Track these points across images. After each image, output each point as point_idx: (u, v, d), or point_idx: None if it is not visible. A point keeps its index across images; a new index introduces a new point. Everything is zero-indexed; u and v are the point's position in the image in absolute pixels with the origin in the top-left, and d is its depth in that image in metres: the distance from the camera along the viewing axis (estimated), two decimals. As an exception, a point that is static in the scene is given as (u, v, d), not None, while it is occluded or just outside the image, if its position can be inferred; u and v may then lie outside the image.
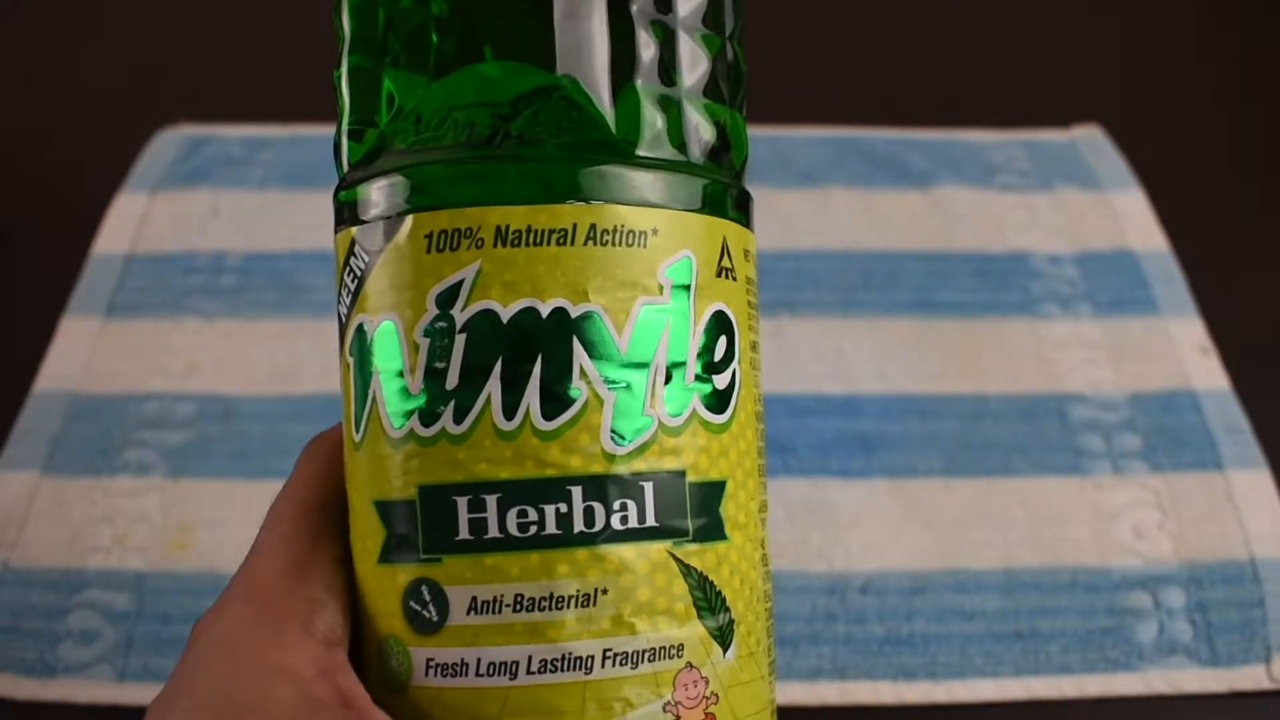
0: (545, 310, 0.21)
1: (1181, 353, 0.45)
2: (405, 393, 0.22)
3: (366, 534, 0.23)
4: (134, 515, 0.40)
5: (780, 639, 0.37)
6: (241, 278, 0.47)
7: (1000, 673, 0.36)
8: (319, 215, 0.50)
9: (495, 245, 0.21)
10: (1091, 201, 0.51)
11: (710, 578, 0.22)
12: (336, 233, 0.24)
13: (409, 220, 0.22)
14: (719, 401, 0.23)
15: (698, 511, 0.22)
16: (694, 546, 0.22)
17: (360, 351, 0.23)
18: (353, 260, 0.23)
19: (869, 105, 0.56)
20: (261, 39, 0.60)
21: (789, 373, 0.44)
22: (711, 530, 0.22)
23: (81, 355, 0.44)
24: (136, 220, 0.50)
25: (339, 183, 0.24)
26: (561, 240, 0.21)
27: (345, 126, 0.24)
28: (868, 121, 0.55)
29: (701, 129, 0.23)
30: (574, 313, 0.21)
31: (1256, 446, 0.42)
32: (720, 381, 0.23)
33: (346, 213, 0.23)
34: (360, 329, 0.23)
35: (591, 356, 0.21)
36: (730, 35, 0.25)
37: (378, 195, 0.23)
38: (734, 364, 0.23)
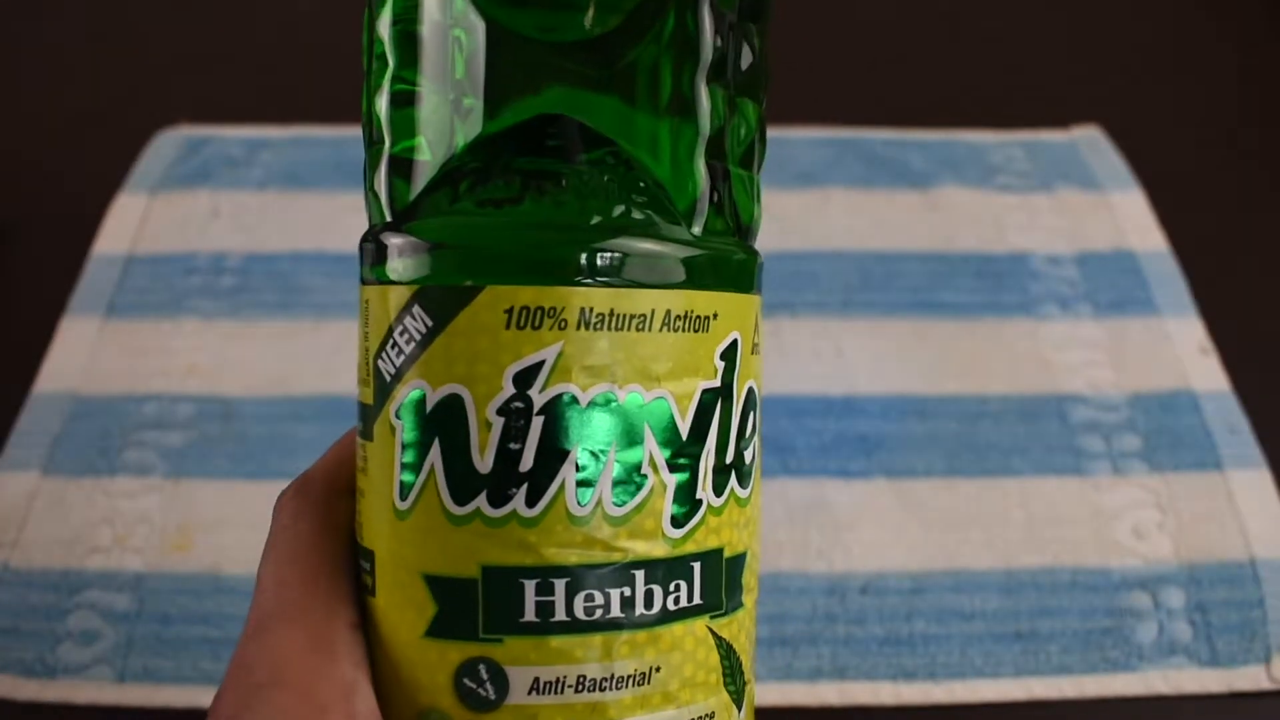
0: (622, 396, 0.21)
1: (1181, 353, 0.45)
2: (472, 470, 0.21)
3: (408, 605, 0.22)
4: (134, 516, 0.40)
5: (781, 639, 0.37)
6: (241, 278, 0.47)
7: (1000, 673, 0.36)
8: (319, 216, 0.50)
9: (578, 328, 0.21)
10: (1091, 202, 0.51)
11: (733, 645, 0.23)
12: (371, 281, 0.23)
13: (487, 291, 0.21)
14: (746, 475, 0.23)
15: (730, 585, 0.23)
16: (725, 619, 0.23)
17: (415, 419, 0.22)
18: (409, 321, 0.22)
19: (868, 106, 0.56)
20: (261, 39, 0.60)
21: (789, 373, 0.44)
22: (737, 600, 0.23)
23: (81, 356, 0.44)
24: (136, 221, 0.50)
25: (378, 228, 0.23)
26: (640, 326, 0.21)
27: (387, 155, 0.22)
28: (867, 122, 0.55)
29: (743, 203, 0.23)
30: (647, 398, 0.21)
31: (1256, 447, 0.42)
32: (748, 456, 0.23)
33: (400, 265, 0.22)
34: (418, 396, 0.22)
35: (659, 443, 0.21)
36: (764, 99, 0.24)
37: (448, 259, 0.21)
38: (756, 437, 0.24)
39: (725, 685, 0.23)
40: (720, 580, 0.23)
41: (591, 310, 0.21)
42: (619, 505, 0.21)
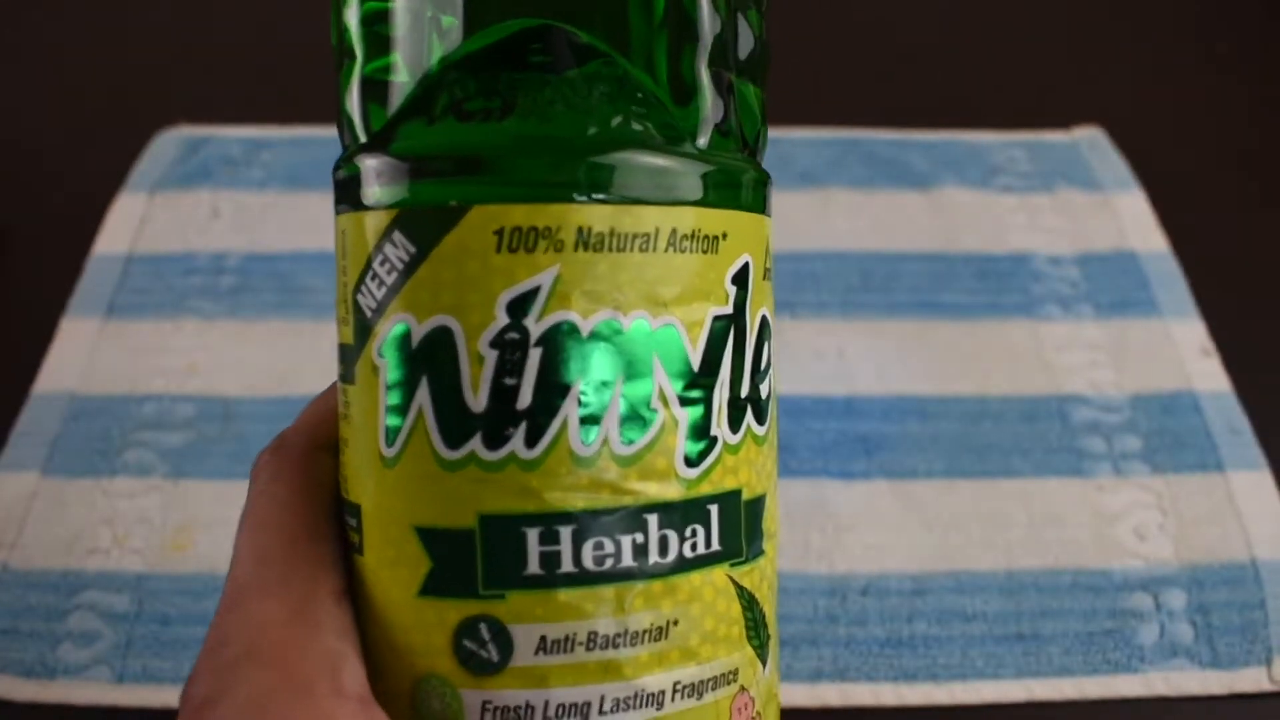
0: (627, 323, 0.19)
1: (1183, 354, 0.45)
2: (464, 410, 0.19)
3: (401, 562, 0.20)
4: (133, 516, 0.40)
5: (781, 640, 0.37)
6: (241, 278, 0.47)
7: (1001, 674, 0.36)
8: (319, 216, 0.50)
9: (576, 249, 0.19)
10: (1092, 203, 0.51)
11: (755, 595, 0.21)
12: (346, 209, 0.21)
13: (475, 211, 0.19)
14: (763, 412, 0.22)
15: (750, 530, 0.21)
16: (746, 566, 0.21)
17: (400, 356, 0.20)
18: (389, 249, 0.20)
19: (869, 106, 0.55)
20: (261, 40, 0.60)
21: (789, 374, 0.44)
22: (758, 546, 0.21)
23: (81, 356, 0.44)
24: (136, 221, 0.50)
25: (351, 151, 0.21)
26: (645, 246, 0.19)
27: (358, 75, 0.21)
28: (868, 122, 0.55)
29: (748, 118, 0.22)
30: (654, 326, 0.19)
31: (1257, 448, 0.42)
32: (764, 390, 0.22)
33: (376, 189, 0.20)
34: (402, 331, 0.20)
35: (669, 374, 0.20)
36: (766, 6, 0.23)
37: (430, 178, 0.20)
38: (771, 370, 0.22)
39: (749, 639, 0.21)
40: (740, 524, 0.21)
41: (590, 230, 0.19)
42: (627, 444, 0.19)
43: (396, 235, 0.20)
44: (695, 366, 0.20)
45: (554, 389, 0.19)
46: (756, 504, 0.21)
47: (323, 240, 0.49)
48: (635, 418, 0.20)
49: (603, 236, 0.19)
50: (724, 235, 0.20)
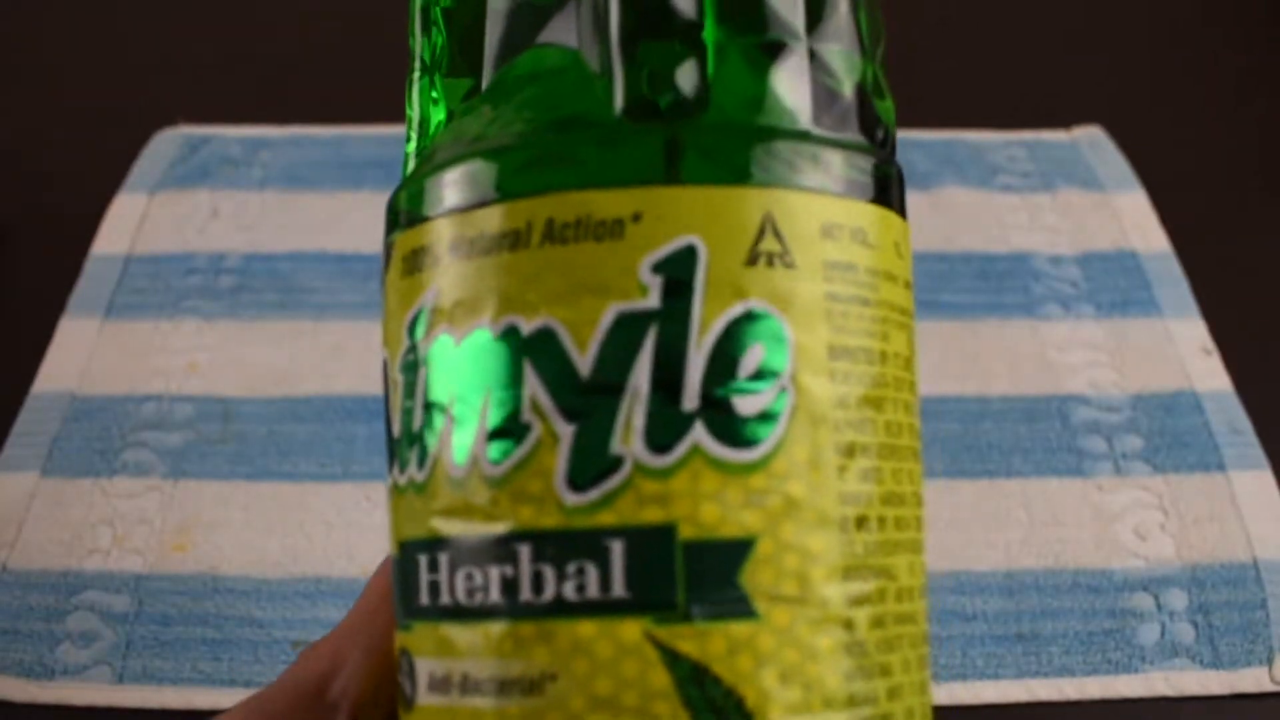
0: (495, 331, 0.17)
1: (1184, 353, 0.45)
2: (392, 437, 0.19)
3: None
4: (133, 517, 0.39)
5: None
6: (240, 278, 0.47)
7: (1001, 674, 0.36)
8: (319, 216, 0.50)
9: (450, 261, 0.18)
10: (1093, 202, 0.51)
11: (713, 670, 0.17)
12: None
13: (395, 243, 0.19)
14: (743, 432, 0.17)
15: (695, 580, 0.17)
16: (685, 627, 0.17)
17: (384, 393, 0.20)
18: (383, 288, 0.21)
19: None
20: (261, 39, 0.60)
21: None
22: (720, 605, 0.17)
23: (80, 356, 0.44)
24: (135, 221, 0.50)
25: None
26: (514, 244, 0.17)
27: (412, 149, 0.22)
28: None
29: (739, 79, 0.18)
30: (525, 330, 0.17)
31: (1259, 448, 0.41)
32: (747, 406, 0.17)
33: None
34: (384, 366, 0.20)
35: (544, 382, 0.17)
36: None
37: (387, 224, 0.20)
38: (782, 381, 0.17)
39: None
40: (670, 570, 0.17)
41: (461, 237, 0.18)
42: (495, 462, 0.17)
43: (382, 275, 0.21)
44: (584, 373, 0.17)
45: (433, 408, 0.18)
46: (720, 549, 0.17)
47: (323, 240, 0.49)
48: (505, 433, 0.17)
49: (471, 241, 0.18)
50: (635, 217, 0.17)
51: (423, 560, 0.18)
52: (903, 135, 0.54)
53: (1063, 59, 0.59)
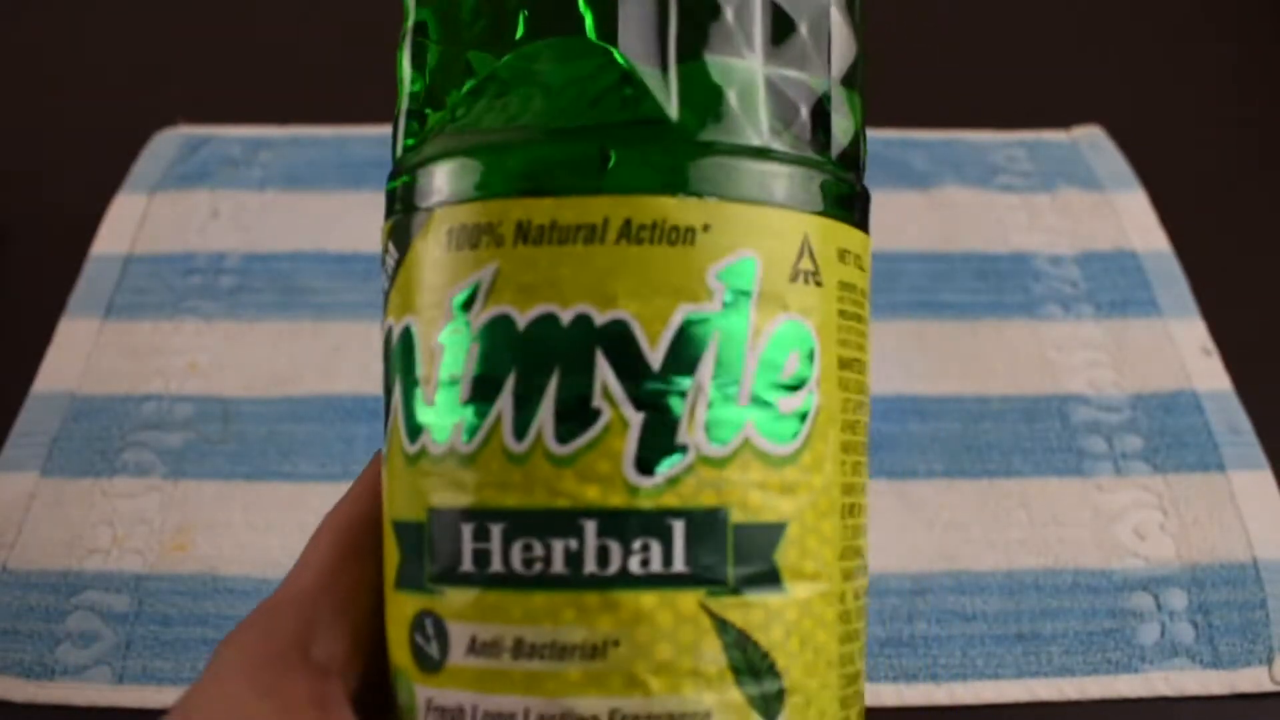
0: (566, 318, 0.19)
1: (1183, 353, 0.45)
2: (422, 404, 0.20)
3: (388, 556, 0.21)
4: (133, 517, 0.39)
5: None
6: (240, 278, 0.47)
7: (1001, 674, 0.36)
8: (319, 216, 0.50)
9: (515, 243, 0.19)
10: (1093, 202, 0.51)
11: (754, 637, 0.19)
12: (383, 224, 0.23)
13: (434, 214, 0.20)
14: (785, 428, 0.19)
15: (742, 558, 0.19)
16: (734, 599, 0.19)
17: (386, 357, 0.21)
18: (386, 257, 0.21)
19: (869, 105, 0.55)
20: (261, 39, 0.60)
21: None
22: (761, 580, 0.19)
23: (80, 356, 0.44)
24: (135, 221, 0.49)
25: (391, 170, 0.23)
26: (590, 238, 0.19)
27: (403, 108, 0.22)
28: (868, 122, 0.54)
29: (785, 108, 0.20)
30: (599, 321, 0.19)
31: (1258, 447, 0.41)
32: (787, 405, 0.20)
33: (389, 203, 0.22)
34: (389, 332, 0.21)
35: (617, 372, 0.19)
36: None
37: (408, 186, 0.21)
38: (810, 384, 0.20)
39: (739, 683, 0.19)
40: (724, 549, 0.19)
41: (530, 223, 0.19)
42: (562, 442, 0.19)
43: (389, 244, 0.21)
44: (655, 366, 0.19)
45: (489, 383, 0.19)
46: (761, 531, 0.19)
47: (323, 240, 0.49)
48: (571, 416, 0.19)
49: (543, 229, 0.19)
50: (705, 227, 0.19)
51: (467, 529, 0.19)
52: (903, 135, 0.54)
53: (1063, 59, 0.59)
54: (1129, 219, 0.50)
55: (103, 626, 0.37)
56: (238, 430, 0.42)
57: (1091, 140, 0.54)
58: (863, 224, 0.22)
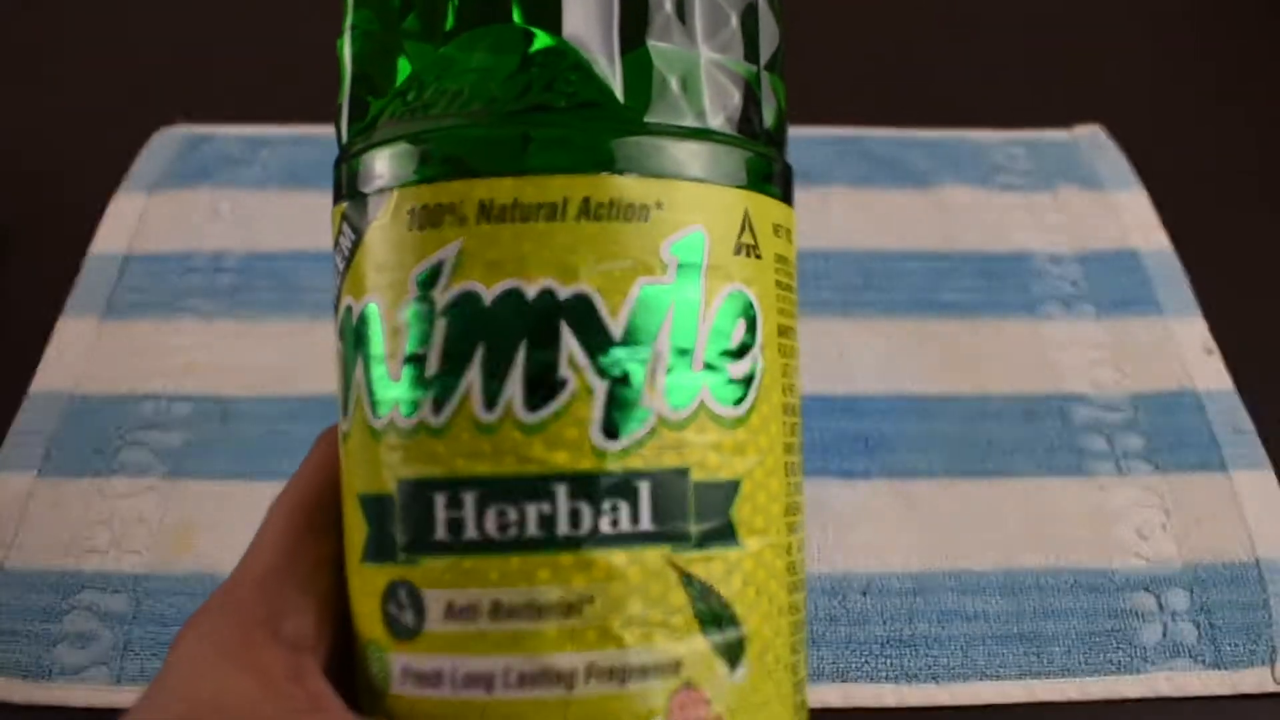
0: (531, 292, 0.20)
1: (1185, 353, 0.45)
2: (387, 380, 0.20)
3: (352, 531, 0.22)
4: (131, 517, 0.39)
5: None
6: (240, 278, 0.47)
7: (1002, 675, 0.36)
8: (318, 215, 0.50)
9: (478, 222, 0.20)
10: (1094, 201, 0.51)
11: (716, 588, 0.20)
12: (334, 207, 0.23)
13: (394, 195, 0.21)
14: (734, 392, 0.21)
15: (703, 514, 0.20)
16: (697, 553, 0.20)
17: (346, 335, 0.22)
18: (341, 239, 0.22)
19: (869, 105, 0.55)
20: (261, 39, 0.60)
21: (790, 373, 0.44)
22: (719, 535, 0.20)
23: (79, 356, 0.44)
24: (134, 220, 0.49)
25: (338, 155, 0.23)
26: (551, 215, 0.20)
27: (346, 95, 0.23)
28: (868, 121, 0.54)
29: (722, 92, 0.21)
30: (562, 294, 0.20)
31: (1260, 447, 0.41)
32: (736, 370, 0.21)
33: (341, 187, 0.22)
34: (347, 310, 0.21)
35: (582, 342, 0.20)
36: None
37: (364, 169, 0.21)
38: (755, 350, 0.21)
39: (705, 632, 0.20)
40: (686, 507, 0.20)
41: (493, 202, 0.20)
42: (531, 411, 0.19)
43: (344, 226, 0.22)
44: (616, 335, 0.20)
45: (457, 357, 0.20)
46: (718, 489, 0.20)
47: (322, 240, 0.49)
48: (539, 386, 0.19)
49: (505, 208, 0.20)
50: (657, 204, 0.20)
51: (440, 498, 0.20)
52: (903, 134, 0.54)
53: (1063, 59, 0.59)
54: (1130, 218, 0.50)
55: (101, 627, 0.37)
56: (236, 430, 0.42)
57: (1092, 140, 0.54)
58: (788, 198, 0.23)
